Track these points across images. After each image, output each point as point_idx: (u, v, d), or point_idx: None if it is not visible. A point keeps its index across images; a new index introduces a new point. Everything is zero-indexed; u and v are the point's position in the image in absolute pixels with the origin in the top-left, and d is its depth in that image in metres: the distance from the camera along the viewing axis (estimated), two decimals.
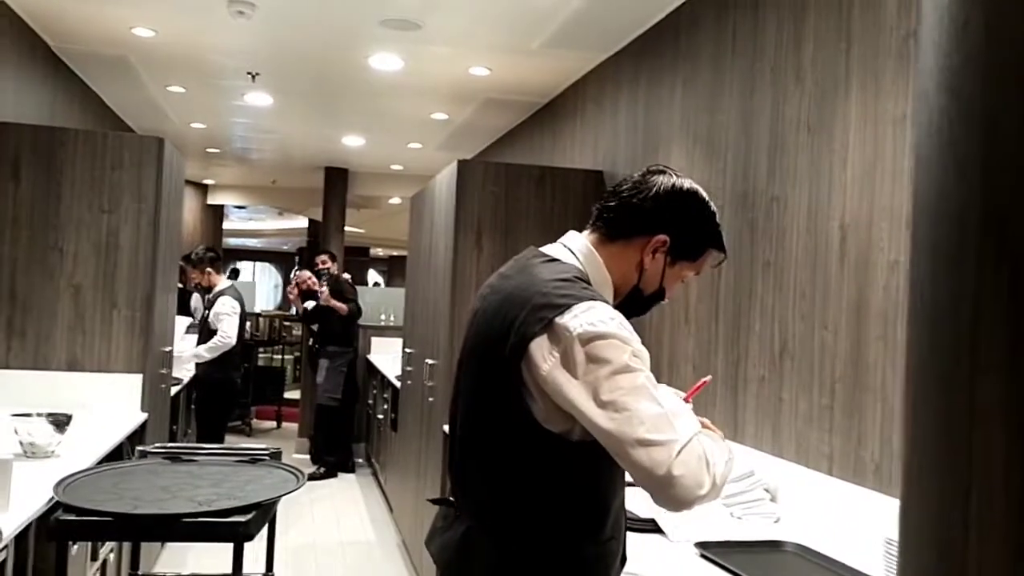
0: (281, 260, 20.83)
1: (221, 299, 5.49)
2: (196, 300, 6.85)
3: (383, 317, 7.97)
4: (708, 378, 1.74)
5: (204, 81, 5.48)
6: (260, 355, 9.82)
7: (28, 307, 3.69)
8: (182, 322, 5.44)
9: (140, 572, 2.99)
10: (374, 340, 7.46)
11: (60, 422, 2.80)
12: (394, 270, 20.64)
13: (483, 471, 1.51)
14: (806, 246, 2.57)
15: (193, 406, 5.54)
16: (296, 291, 7.08)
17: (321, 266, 7.03)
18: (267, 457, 2.70)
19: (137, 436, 3.60)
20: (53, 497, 2.16)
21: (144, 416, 3.72)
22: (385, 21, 4.08)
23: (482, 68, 4.84)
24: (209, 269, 5.62)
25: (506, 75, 4.94)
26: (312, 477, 6.41)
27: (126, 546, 3.27)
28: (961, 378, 0.49)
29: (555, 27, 4.03)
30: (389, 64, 4.81)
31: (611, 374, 1.33)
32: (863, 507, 2.19)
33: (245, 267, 20.75)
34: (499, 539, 1.47)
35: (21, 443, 2.74)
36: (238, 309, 5.53)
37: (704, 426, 1.44)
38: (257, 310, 11.02)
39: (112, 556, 3.14)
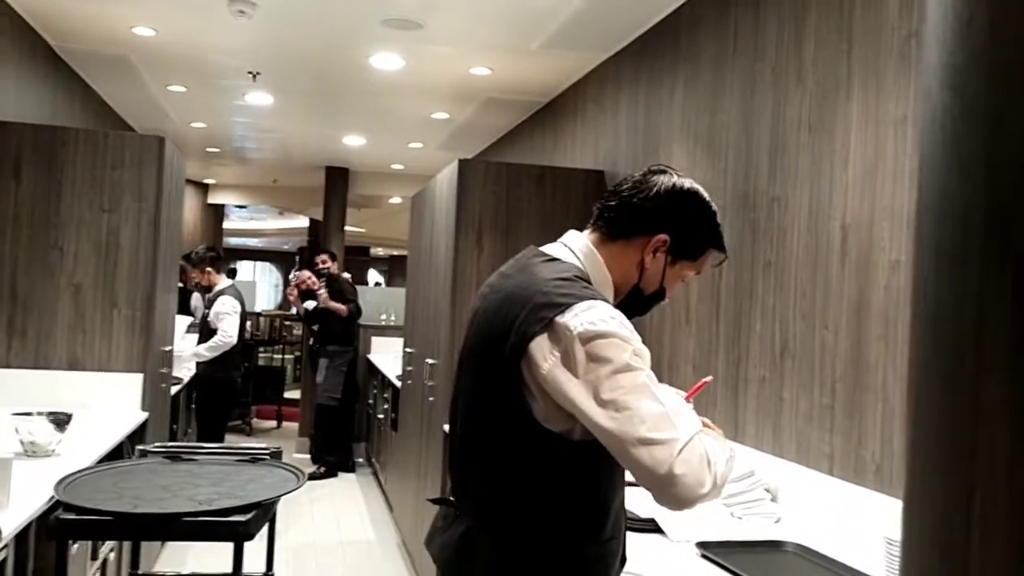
0: (282, 260, 20.84)
1: (221, 298, 5.49)
2: (196, 299, 6.85)
3: (383, 317, 7.96)
4: (709, 378, 1.74)
5: (205, 80, 5.48)
6: (260, 354, 9.83)
7: (29, 306, 3.69)
8: (182, 321, 5.44)
9: (140, 571, 2.99)
10: (374, 340, 7.46)
11: (60, 421, 2.80)
12: (395, 270, 20.65)
13: (483, 471, 1.51)
14: (807, 246, 2.57)
15: (193, 405, 5.54)
16: (296, 292, 7.07)
17: (321, 265, 7.02)
18: (267, 456, 2.69)
19: (137, 435, 3.60)
20: (53, 496, 2.16)
21: (144, 415, 3.72)
22: (386, 21, 4.08)
23: (483, 68, 4.84)
24: (209, 268, 5.62)
25: (507, 75, 4.94)
26: (312, 477, 6.41)
27: (126, 545, 3.27)
28: (965, 378, 0.49)
29: (556, 27, 4.02)
30: (390, 64, 4.81)
31: (612, 373, 1.32)
32: (864, 507, 2.19)
33: (245, 266, 20.76)
34: (499, 539, 1.46)
35: (22, 442, 2.74)
36: (238, 308, 5.53)
37: (705, 425, 1.44)
38: (257, 310, 11.03)
39: (112, 555, 3.14)
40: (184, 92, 5.83)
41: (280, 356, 10.50)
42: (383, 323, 7.86)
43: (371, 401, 7.03)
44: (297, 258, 15.01)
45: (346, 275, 7.33)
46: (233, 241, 18.00)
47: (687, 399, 1.55)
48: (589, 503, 1.47)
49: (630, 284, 1.56)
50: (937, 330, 0.51)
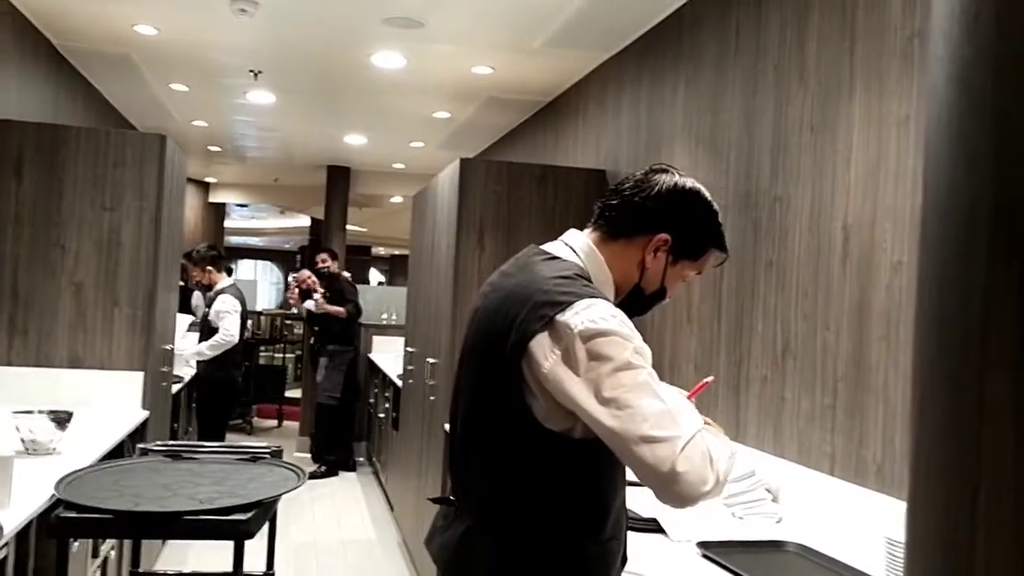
0: (283, 259, 20.84)
1: (221, 297, 5.49)
2: (197, 298, 6.85)
3: (385, 316, 7.96)
4: (710, 378, 1.74)
5: (206, 79, 5.48)
6: (261, 353, 9.83)
7: (30, 304, 3.69)
8: (183, 320, 5.44)
9: (141, 570, 2.99)
10: (376, 339, 7.45)
11: (61, 419, 2.80)
12: (396, 269, 20.66)
13: (484, 469, 1.50)
14: (809, 246, 2.57)
15: (194, 404, 5.54)
16: (296, 292, 7.06)
17: (321, 265, 7.02)
18: (268, 455, 2.69)
19: (138, 434, 3.60)
20: (54, 494, 2.16)
21: (145, 414, 3.72)
22: (388, 19, 4.08)
23: (484, 67, 4.83)
24: (210, 267, 5.62)
25: (508, 74, 4.94)
26: (313, 476, 6.41)
27: (127, 543, 3.27)
28: (970, 375, 0.48)
29: (558, 26, 4.02)
30: (391, 62, 4.80)
31: (613, 371, 1.32)
32: (865, 507, 2.18)
33: (245, 265, 20.77)
34: (499, 538, 1.46)
35: (22, 440, 2.74)
36: (238, 307, 5.53)
37: (706, 423, 1.44)
38: (258, 308, 11.03)
39: (113, 553, 3.14)
40: (186, 91, 5.83)
41: (281, 355, 10.50)
42: (384, 322, 7.85)
43: (372, 400, 7.03)
44: (298, 257, 15.02)
45: (346, 274, 7.32)
46: (234, 240, 18.02)
47: (688, 398, 1.54)
48: (590, 502, 1.47)
49: (631, 283, 1.55)
50: (942, 327, 0.51)
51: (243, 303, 5.65)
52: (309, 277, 7.01)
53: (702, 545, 2.17)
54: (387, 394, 6.12)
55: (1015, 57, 0.47)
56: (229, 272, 6.38)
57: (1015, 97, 0.47)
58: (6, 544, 1.98)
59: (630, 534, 1.65)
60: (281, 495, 2.30)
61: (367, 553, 5.01)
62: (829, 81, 2.52)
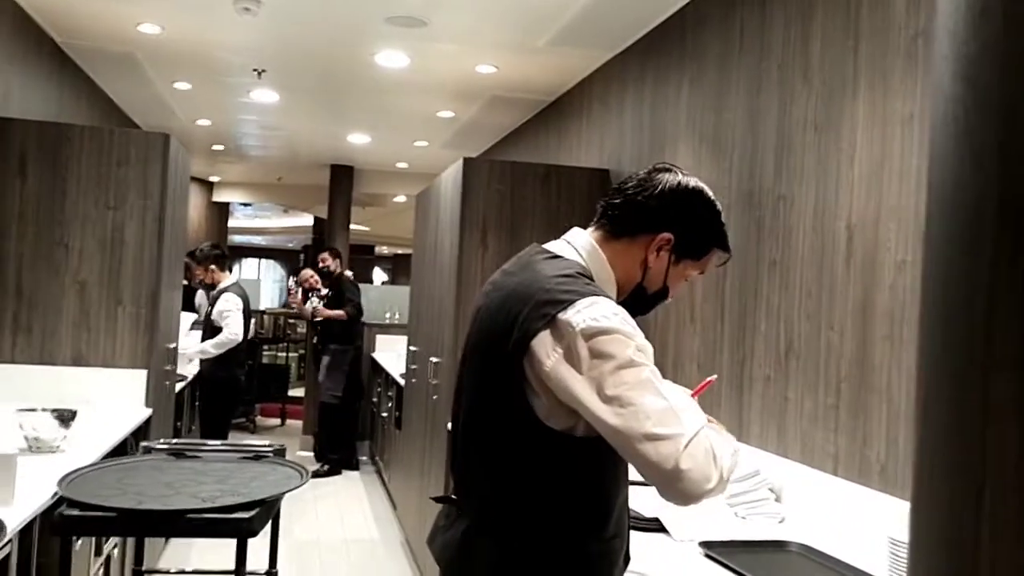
0: (286, 257, 20.86)
1: (224, 295, 5.49)
2: (200, 297, 6.85)
3: (388, 315, 7.97)
4: (713, 377, 1.73)
5: (210, 78, 5.49)
6: (264, 352, 9.84)
7: (34, 303, 3.70)
8: (187, 318, 5.44)
9: (144, 568, 2.99)
10: (379, 338, 7.46)
11: (65, 417, 2.80)
12: (399, 268, 20.66)
13: (486, 468, 1.50)
14: (812, 245, 2.56)
15: (197, 403, 5.54)
16: (300, 293, 7.06)
17: (322, 264, 7.02)
18: (271, 454, 2.69)
19: (141, 432, 3.61)
20: (57, 492, 2.17)
21: (148, 412, 3.73)
22: (391, 18, 4.08)
23: (488, 66, 4.83)
24: (213, 266, 5.62)
25: (512, 73, 4.93)
26: (316, 474, 6.41)
27: (130, 541, 3.27)
28: (975, 374, 0.48)
29: (561, 25, 4.02)
30: (395, 61, 4.80)
31: (615, 369, 1.32)
32: (868, 507, 2.18)
33: (249, 264, 20.79)
34: (501, 537, 1.46)
35: (26, 438, 2.74)
36: (241, 305, 5.53)
37: (709, 421, 1.43)
38: (262, 307, 11.04)
39: (116, 551, 3.14)
40: (189, 89, 5.83)
41: (284, 354, 10.51)
42: (387, 321, 7.86)
43: (375, 399, 7.04)
44: (302, 256, 15.03)
45: (348, 273, 7.32)
46: (238, 239, 18.02)
47: (691, 397, 1.54)
48: (592, 500, 1.47)
49: (633, 282, 1.55)
50: (947, 325, 0.51)
51: (246, 302, 5.65)
52: (312, 276, 7.01)
53: (705, 545, 2.17)
54: (390, 393, 6.13)
55: (1022, 53, 0.46)
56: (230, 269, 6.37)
57: (1022, 94, 0.46)
58: (9, 542, 1.99)
59: (633, 533, 1.65)
60: (284, 494, 2.31)
61: (370, 552, 5.02)
62: (833, 80, 2.52)
